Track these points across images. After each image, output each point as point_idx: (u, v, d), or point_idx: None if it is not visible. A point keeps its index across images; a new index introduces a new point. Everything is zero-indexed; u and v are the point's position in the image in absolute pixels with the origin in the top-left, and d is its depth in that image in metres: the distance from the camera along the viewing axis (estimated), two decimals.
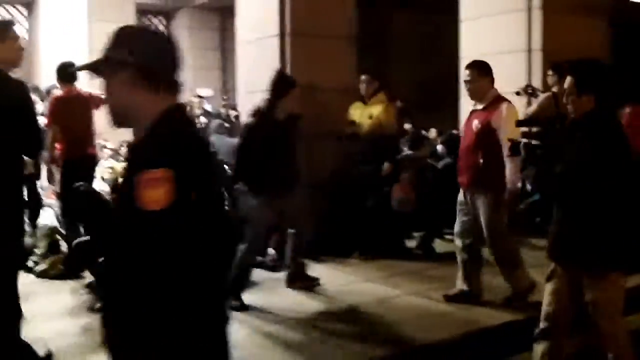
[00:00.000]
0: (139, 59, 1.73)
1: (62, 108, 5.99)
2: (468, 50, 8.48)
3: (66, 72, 6.01)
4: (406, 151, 7.05)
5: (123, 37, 1.79)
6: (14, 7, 13.83)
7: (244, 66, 7.27)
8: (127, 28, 1.85)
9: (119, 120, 1.79)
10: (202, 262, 1.66)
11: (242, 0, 7.27)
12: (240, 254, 4.85)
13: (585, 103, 3.10)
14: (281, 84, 5.24)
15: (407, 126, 8.55)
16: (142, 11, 14.14)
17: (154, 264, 1.59)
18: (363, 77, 6.75)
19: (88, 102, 6.11)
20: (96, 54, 6.49)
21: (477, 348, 4.24)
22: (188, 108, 11.21)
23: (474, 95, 4.77)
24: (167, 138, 1.68)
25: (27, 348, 3.63)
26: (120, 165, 7.88)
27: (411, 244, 6.86)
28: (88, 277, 5.30)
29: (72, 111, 5.98)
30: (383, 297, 5.20)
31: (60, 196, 6.26)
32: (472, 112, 4.86)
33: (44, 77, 12.12)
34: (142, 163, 1.61)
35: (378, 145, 6.43)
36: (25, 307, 3.80)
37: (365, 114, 6.57)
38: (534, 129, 3.49)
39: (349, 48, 7.02)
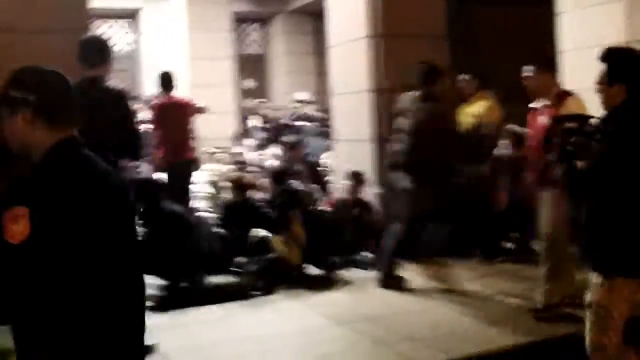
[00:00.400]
0: (39, 98, 1.83)
1: (162, 115, 6.29)
2: (567, 44, 8.19)
3: (165, 81, 6.31)
4: (503, 151, 6.90)
5: (24, 77, 1.88)
6: (117, 20, 14.59)
7: (335, 69, 7.36)
8: (28, 69, 1.93)
9: (23, 151, 1.88)
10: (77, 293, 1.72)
11: (332, 4, 7.36)
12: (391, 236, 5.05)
13: (616, 94, 2.90)
14: (431, 74, 5.31)
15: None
16: (238, 19, 14.56)
17: (21, 292, 1.71)
18: (462, 76, 6.70)
19: (185, 109, 6.39)
20: (196, 63, 6.90)
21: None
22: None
23: (538, 91, 4.64)
24: (40, 175, 1.79)
25: None
26: (219, 167, 8.15)
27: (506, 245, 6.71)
28: None
29: (171, 117, 6.27)
30: (473, 296, 5.13)
31: None
32: (536, 109, 4.72)
33: (146, 86, 12.73)
34: (14, 198, 1.73)
35: (478, 145, 6.35)
36: None
37: (466, 113, 6.52)
38: (570, 125, 3.29)
39: (440, 47, 6.95)
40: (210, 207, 7.11)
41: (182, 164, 6.36)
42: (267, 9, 15.17)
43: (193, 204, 7.01)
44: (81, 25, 5.43)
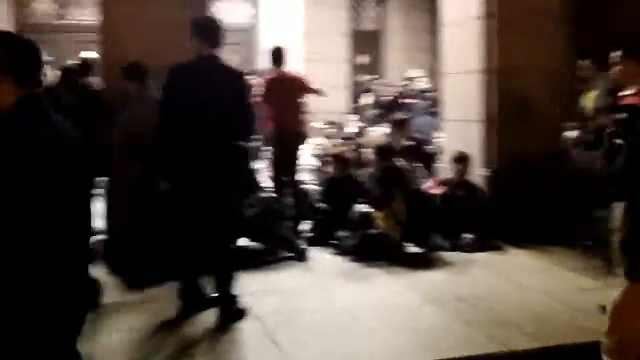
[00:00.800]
0: (8, 58, 2.04)
1: (272, 89, 6.47)
2: None
3: (276, 56, 6.48)
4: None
5: None
6: None
7: (447, 47, 7.25)
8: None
9: None
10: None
11: None
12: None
13: None
14: None
15: None
16: None
17: None
18: (582, 61, 6.46)
19: (296, 84, 6.54)
20: (311, 38, 7.01)
21: None
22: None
23: (623, 77, 4.35)
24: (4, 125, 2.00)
25: None
26: (327, 142, 8.28)
27: None
28: None
29: (281, 92, 6.43)
30: (578, 286, 4.99)
31: (270, 168, 6.82)
32: (624, 96, 4.45)
33: (262, 61, 13.01)
34: None
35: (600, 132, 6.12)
36: None
37: (587, 99, 6.30)
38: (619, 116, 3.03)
39: (560, 28, 6.69)
40: (315, 181, 7.26)
41: (290, 136, 6.54)
42: None
43: (300, 176, 7.18)
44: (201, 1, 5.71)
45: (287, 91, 6.53)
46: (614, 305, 2.85)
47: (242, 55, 14.71)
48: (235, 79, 4.31)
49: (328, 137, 8.94)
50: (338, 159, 6.65)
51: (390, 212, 5.94)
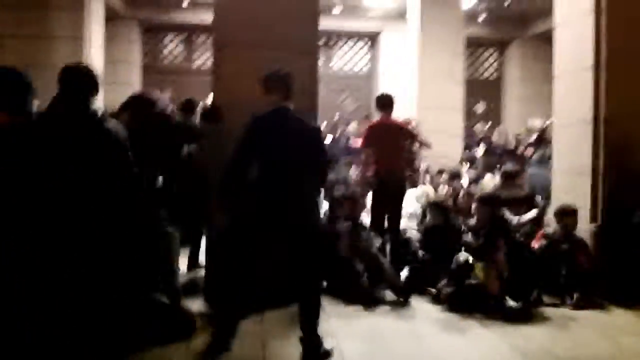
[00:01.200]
0: None
1: (376, 134, 6.59)
2: None
3: (383, 102, 6.61)
4: None
5: None
6: (359, 39, 15.36)
7: (558, 97, 7.13)
8: None
9: None
10: None
11: (559, 32, 7.16)
12: None
13: None
14: None
15: None
16: (473, 43, 14.58)
17: None
18: None
19: (401, 130, 6.64)
20: (426, 85, 7.16)
21: None
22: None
23: None
24: None
25: None
26: (431, 189, 8.27)
27: None
28: None
29: (386, 137, 6.53)
30: None
31: (371, 213, 6.90)
32: None
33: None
34: None
35: None
36: None
37: None
38: None
39: None
40: (417, 227, 7.25)
41: (393, 182, 6.59)
42: (503, 35, 15.01)
43: (403, 222, 7.21)
44: (311, 50, 5.96)
45: (392, 137, 6.61)
46: None
47: (361, 100, 15.07)
48: (310, 134, 4.47)
49: (436, 185, 8.92)
50: (438, 207, 6.64)
51: (492, 264, 5.82)
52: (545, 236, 6.38)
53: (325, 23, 14.09)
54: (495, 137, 12.90)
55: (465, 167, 11.20)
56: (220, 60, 5.85)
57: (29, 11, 10.30)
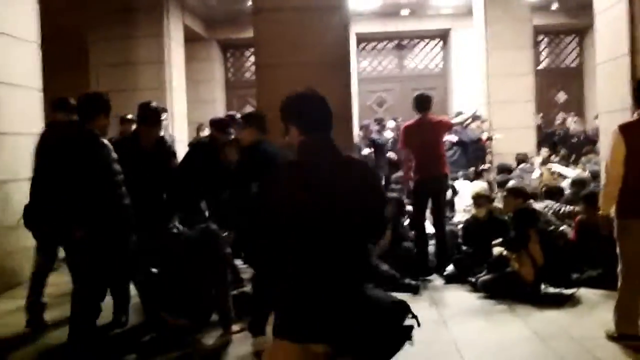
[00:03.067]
0: None
1: (412, 133, 6.90)
2: None
3: (420, 102, 6.92)
4: None
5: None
6: (430, 39, 15.56)
7: (599, 86, 7.19)
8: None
9: None
10: None
11: (598, 20, 7.23)
12: None
13: None
14: None
15: None
16: (550, 32, 14.47)
17: None
18: None
19: (435, 126, 6.93)
20: (496, 80, 7.48)
21: None
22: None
23: None
24: None
25: None
26: (480, 184, 8.44)
27: None
28: None
29: (421, 136, 6.83)
30: None
31: (411, 213, 7.24)
32: None
33: (454, 104, 13.37)
34: None
35: None
36: None
37: None
38: None
39: None
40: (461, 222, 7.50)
41: (430, 180, 6.85)
42: (581, 21, 14.71)
43: (451, 217, 7.49)
44: (341, 61, 6.41)
45: (428, 135, 6.85)
46: None
47: (436, 99, 15.25)
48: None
49: (500, 182, 9.03)
50: (477, 199, 6.88)
51: (525, 253, 6.03)
52: (582, 222, 6.50)
53: (395, 25, 14.60)
54: (571, 126, 12.78)
55: (541, 158, 11.23)
56: (260, 79, 6.42)
57: (117, 41, 11.32)
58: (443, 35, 15.31)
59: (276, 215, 2.70)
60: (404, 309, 3.03)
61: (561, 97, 15.63)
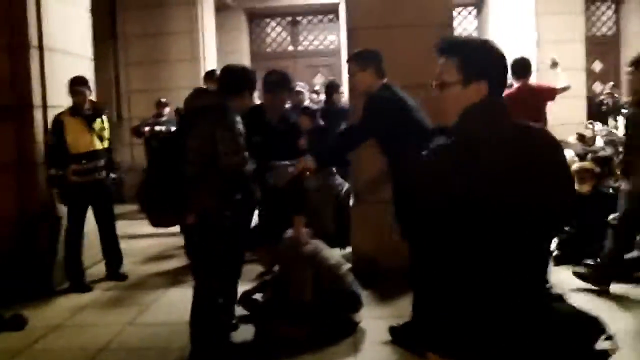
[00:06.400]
0: None
1: (516, 101, 6.33)
2: None
3: (519, 67, 6.36)
4: None
5: None
6: (464, 8, 14.92)
7: None
8: None
9: None
10: None
11: None
12: None
13: None
14: None
15: None
16: None
17: None
18: None
19: (540, 95, 6.38)
20: (544, 47, 6.81)
21: None
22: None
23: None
24: None
25: None
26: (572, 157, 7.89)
27: None
28: None
29: (525, 104, 6.25)
30: None
31: None
32: None
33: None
34: None
35: None
36: None
37: None
38: None
39: None
40: None
41: None
42: None
43: None
44: (445, 21, 5.82)
45: (531, 103, 6.30)
46: None
47: None
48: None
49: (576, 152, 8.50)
50: (587, 175, 6.31)
51: None
52: None
53: None
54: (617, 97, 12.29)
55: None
56: (353, 43, 5.81)
57: (150, 10, 10.68)
58: (477, 4, 14.68)
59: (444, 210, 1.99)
60: (598, 328, 2.30)
61: (596, 66, 15.11)
